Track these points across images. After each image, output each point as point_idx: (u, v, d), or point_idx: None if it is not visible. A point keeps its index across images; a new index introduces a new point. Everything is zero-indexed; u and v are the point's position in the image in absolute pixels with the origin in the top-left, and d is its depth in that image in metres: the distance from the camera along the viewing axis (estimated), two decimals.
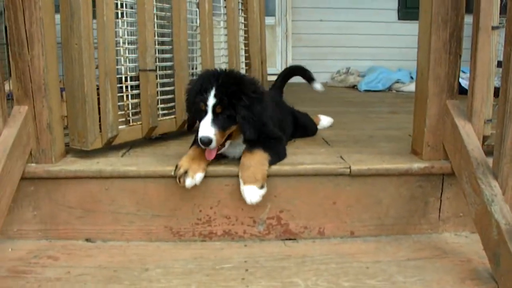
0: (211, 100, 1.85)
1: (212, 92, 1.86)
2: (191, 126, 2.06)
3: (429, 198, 2.04)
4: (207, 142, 1.83)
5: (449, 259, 1.84)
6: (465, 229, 2.07)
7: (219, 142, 1.88)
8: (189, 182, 1.86)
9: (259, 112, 1.91)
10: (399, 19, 6.88)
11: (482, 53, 1.89)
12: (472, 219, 1.77)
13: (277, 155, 2.01)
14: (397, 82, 5.75)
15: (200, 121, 1.89)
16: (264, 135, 1.97)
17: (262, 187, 1.87)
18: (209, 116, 1.86)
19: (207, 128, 1.84)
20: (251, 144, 1.95)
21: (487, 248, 1.67)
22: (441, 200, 2.04)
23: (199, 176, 1.88)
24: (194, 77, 2.55)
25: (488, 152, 1.82)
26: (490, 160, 1.77)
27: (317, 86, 2.78)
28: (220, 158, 2.02)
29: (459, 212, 2.06)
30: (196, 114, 1.94)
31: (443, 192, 2.04)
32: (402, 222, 2.04)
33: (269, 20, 6.29)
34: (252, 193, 1.85)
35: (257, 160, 1.91)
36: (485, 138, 1.97)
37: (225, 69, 2.01)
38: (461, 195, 1.91)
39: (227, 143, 1.96)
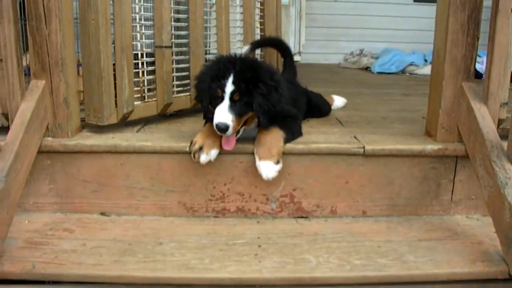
0: (229, 87, 1.84)
1: (230, 79, 1.84)
2: (207, 114, 2.02)
3: (441, 180, 2.04)
4: (224, 128, 1.82)
5: (460, 240, 1.84)
6: (476, 212, 2.07)
7: (236, 129, 1.87)
8: (204, 158, 1.87)
9: (276, 100, 1.91)
10: (414, 1, 6.80)
11: (500, 35, 1.88)
12: (485, 201, 1.77)
13: (291, 133, 2.02)
14: (411, 64, 5.71)
15: (215, 107, 1.87)
16: (280, 115, 1.98)
17: (277, 162, 1.88)
18: (226, 103, 1.84)
19: (224, 115, 1.82)
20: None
21: (499, 231, 1.68)
22: (453, 182, 2.04)
23: (214, 152, 1.90)
24: (208, 56, 2.57)
25: (503, 136, 1.82)
26: (505, 144, 1.77)
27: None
28: None
29: (471, 195, 2.06)
30: (211, 100, 1.92)
31: (456, 175, 2.04)
32: (414, 203, 2.05)
33: (282, 1, 6.24)
34: (268, 168, 1.87)
35: (273, 136, 1.92)
36: (500, 121, 1.97)
37: (241, 55, 1.99)
38: (473, 177, 1.91)
39: (241, 130, 1.95)
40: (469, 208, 2.08)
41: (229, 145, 1.90)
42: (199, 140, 1.90)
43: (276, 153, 1.89)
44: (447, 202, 2.06)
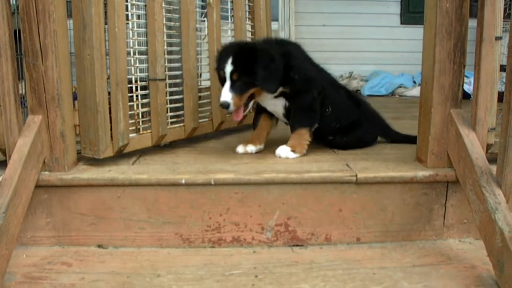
0: (228, 68, 2.15)
1: (229, 61, 2.16)
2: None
3: (433, 205, 2.07)
4: (226, 106, 2.17)
5: (454, 265, 1.87)
6: (469, 236, 2.10)
7: (238, 104, 2.19)
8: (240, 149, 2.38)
9: (275, 69, 2.20)
10: (401, 23, 6.91)
11: (485, 63, 1.93)
12: (477, 226, 1.80)
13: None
14: (400, 86, 5.80)
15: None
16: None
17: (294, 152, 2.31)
18: (227, 83, 2.17)
19: (225, 94, 2.17)
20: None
21: (491, 255, 1.71)
22: (445, 207, 2.08)
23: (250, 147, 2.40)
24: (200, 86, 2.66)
25: (492, 160, 1.86)
26: (493, 167, 1.81)
27: None
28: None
29: (463, 219, 2.09)
30: (220, 82, 2.27)
31: (448, 199, 2.07)
32: (407, 228, 2.07)
33: (272, 26, 6.30)
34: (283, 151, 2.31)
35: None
36: (488, 146, 2.01)
37: (244, 41, 2.46)
38: (465, 202, 1.95)
39: (251, 104, 2.29)
40: (462, 232, 2.11)
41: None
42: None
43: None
44: (440, 227, 2.09)
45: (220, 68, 2.21)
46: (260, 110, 2.49)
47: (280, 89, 2.30)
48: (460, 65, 2.02)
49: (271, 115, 2.48)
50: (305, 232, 2.03)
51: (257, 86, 2.20)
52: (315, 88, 2.35)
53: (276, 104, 2.38)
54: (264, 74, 2.17)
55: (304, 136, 2.34)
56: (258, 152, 2.40)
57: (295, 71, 2.28)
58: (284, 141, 2.36)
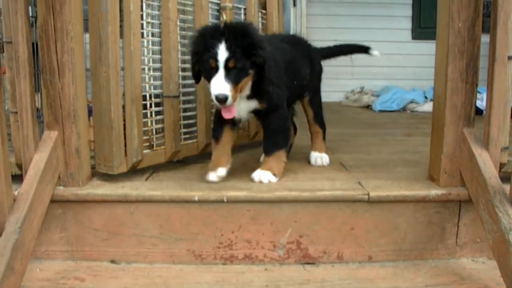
0: (223, 55, 1.86)
1: (222, 46, 1.86)
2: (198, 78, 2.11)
3: (446, 224, 2.07)
4: (224, 99, 1.87)
5: (467, 285, 1.86)
6: (482, 255, 2.09)
7: (235, 97, 1.92)
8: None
9: (270, 51, 1.98)
10: (413, 38, 6.92)
11: (498, 82, 1.93)
12: (490, 246, 1.79)
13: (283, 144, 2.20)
14: (411, 102, 5.77)
15: (210, 79, 1.91)
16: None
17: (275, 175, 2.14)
18: (221, 72, 1.87)
19: (221, 85, 1.86)
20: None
21: (504, 275, 1.70)
22: (458, 226, 2.07)
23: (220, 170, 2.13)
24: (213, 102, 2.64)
25: (505, 179, 1.86)
26: (507, 187, 1.80)
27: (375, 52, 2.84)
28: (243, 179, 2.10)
29: (476, 238, 2.08)
30: (205, 73, 1.97)
31: (460, 218, 2.07)
32: (420, 247, 2.07)
33: None
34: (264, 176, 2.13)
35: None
36: (502, 165, 2.00)
37: (226, 21, 2.04)
38: (478, 221, 1.94)
39: (238, 97, 1.98)
40: (475, 251, 2.10)
41: (230, 114, 1.97)
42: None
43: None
44: (452, 246, 2.09)
45: (208, 56, 1.88)
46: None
47: (256, 105, 2.12)
48: (472, 85, 2.02)
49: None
50: (317, 250, 2.03)
51: (249, 74, 1.94)
52: (285, 102, 2.19)
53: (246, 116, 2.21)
54: (266, 57, 1.91)
55: (282, 158, 2.19)
56: None
57: (274, 85, 2.08)
58: None
